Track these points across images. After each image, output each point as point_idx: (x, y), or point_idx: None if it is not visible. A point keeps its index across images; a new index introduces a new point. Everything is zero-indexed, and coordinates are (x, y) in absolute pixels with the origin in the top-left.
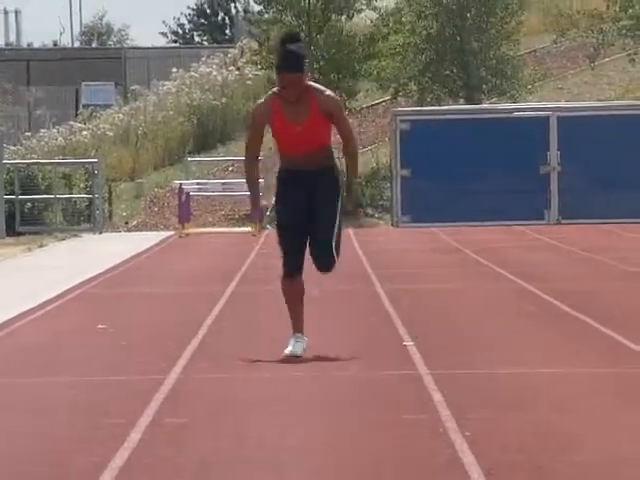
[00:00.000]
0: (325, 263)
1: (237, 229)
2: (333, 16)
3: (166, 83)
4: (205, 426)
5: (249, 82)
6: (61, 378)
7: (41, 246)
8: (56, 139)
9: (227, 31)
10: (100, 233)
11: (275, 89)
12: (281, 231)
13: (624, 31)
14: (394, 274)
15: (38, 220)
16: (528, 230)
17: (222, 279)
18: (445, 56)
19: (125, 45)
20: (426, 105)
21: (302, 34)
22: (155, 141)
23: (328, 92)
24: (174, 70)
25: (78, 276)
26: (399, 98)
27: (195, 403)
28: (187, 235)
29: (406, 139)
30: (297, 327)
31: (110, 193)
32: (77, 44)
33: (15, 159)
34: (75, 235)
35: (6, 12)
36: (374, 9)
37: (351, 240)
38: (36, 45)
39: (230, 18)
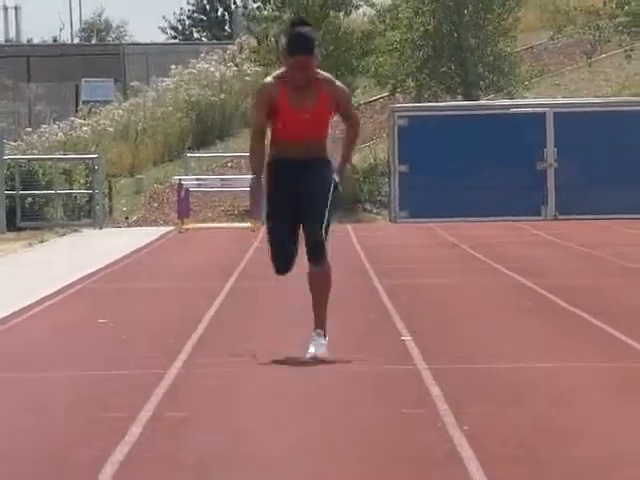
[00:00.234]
0: (314, 251)
1: (236, 225)
2: (331, 13)
3: (165, 79)
4: (205, 421)
5: (247, 78)
6: (62, 372)
7: (42, 241)
8: (56, 135)
9: (226, 27)
10: (100, 228)
11: (277, 73)
12: (271, 222)
13: (620, 28)
14: (392, 269)
15: (39, 215)
16: (525, 226)
17: (221, 274)
18: (442, 52)
19: (124, 41)
20: (424, 101)
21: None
22: (154, 137)
23: (338, 83)
24: (173, 66)
25: (79, 271)
26: (397, 94)
27: (195, 398)
28: (187, 230)
29: (404, 135)
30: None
31: (110, 189)
32: (76, 40)
33: (16, 155)
34: (75, 230)
35: (6, 8)
36: (371, 5)
37: (349, 235)
38: (36, 41)
39: (229, 14)
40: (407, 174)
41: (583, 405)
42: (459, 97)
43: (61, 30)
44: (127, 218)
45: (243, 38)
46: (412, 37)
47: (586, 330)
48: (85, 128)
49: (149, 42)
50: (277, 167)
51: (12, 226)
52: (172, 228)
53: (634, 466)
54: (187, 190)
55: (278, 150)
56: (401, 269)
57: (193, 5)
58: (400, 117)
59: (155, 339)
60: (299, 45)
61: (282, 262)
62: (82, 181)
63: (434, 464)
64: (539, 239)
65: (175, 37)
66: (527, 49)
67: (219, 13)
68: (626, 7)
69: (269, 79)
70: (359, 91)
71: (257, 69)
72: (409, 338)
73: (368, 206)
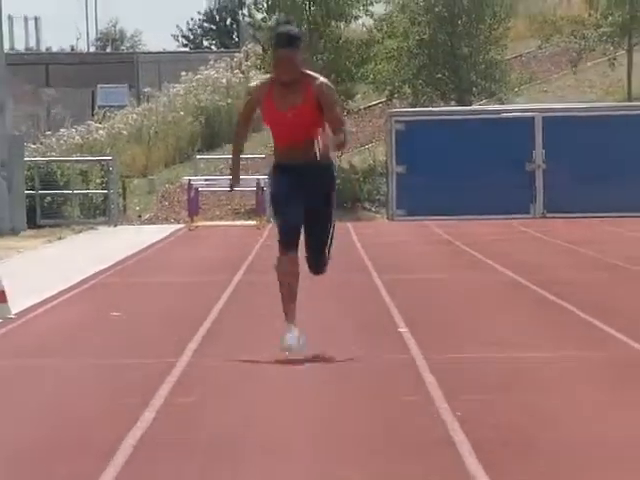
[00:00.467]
0: (317, 269)
1: (243, 222)
2: (332, 23)
3: (176, 85)
4: (214, 407)
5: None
6: (78, 361)
7: (60, 238)
8: (74, 138)
9: (234, 36)
10: (115, 226)
11: (265, 77)
12: (276, 204)
13: (604, 37)
14: (390, 264)
15: (57, 214)
16: (515, 223)
17: (229, 269)
18: (437, 60)
19: (137, 50)
20: (420, 106)
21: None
22: (166, 140)
23: (322, 78)
24: (183, 73)
25: (94, 266)
26: (394, 100)
27: (205, 385)
28: (196, 228)
29: (401, 138)
30: (289, 316)
31: (124, 188)
32: (93, 49)
33: (35, 157)
34: (91, 228)
35: (26, 19)
36: (370, 15)
37: (350, 233)
38: (54, 50)
39: (237, 24)
40: (404, 175)
41: (569, 392)
42: (453, 102)
43: (78, 39)
44: (140, 216)
45: (249, 46)
46: (408, 46)
47: (572, 322)
48: (101, 131)
49: (161, 50)
50: (280, 170)
51: (32, 224)
52: (182, 226)
53: (616, 448)
54: (196, 190)
55: (279, 156)
56: (398, 264)
57: (204, 15)
58: (397, 121)
59: (167, 330)
60: (283, 39)
61: (290, 238)
62: (98, 181)
63: (429, 447)
64: (528, 236)
65: (186, 45)
66: (517, 57)
67: (227, 23)
68: (610, 18)
69: (256, 82)
70: (359, 97)
71: (262, 76)
72: (406, 330)
73: (367, 205)
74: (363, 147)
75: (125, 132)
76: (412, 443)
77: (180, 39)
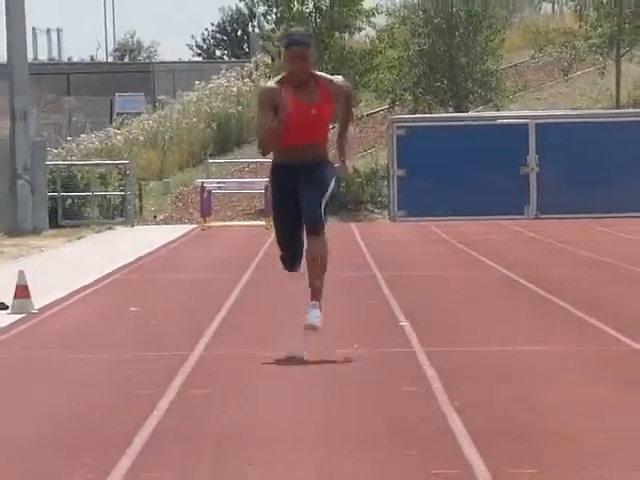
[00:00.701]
0: (312, 218)
1: (252, 223)
2: (336, 34)
3: (189, 93)
4: (225, 398)
5: None
6: (98, 354)
7: (80, 237)
8: (93, 143)
9: (245, 46)
10: (132, 226)
11: (276, 78)
12: (276, 219)
13: (594, 48)
14: (391, 262)
15: (77, 214)
16: (510, 224)
17: (240, 266)
18: (436, 70)
19: (153, 60)
20: (420, 113)
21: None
22: (180, 145)
23: (339, 77)
24: (197, 82)
25: (113, 264)
26: (396, 107)
27: (217, 377)
28: (208, 228)
29: (402, 143)
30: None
31: (140, 190)
32: (111, 59)
33: (57, 161)
34: (110, 228)
35: (49, 31)
36: (373, 26)
37: (353, 232)
38: (75, 60)
39: (247, 35)
40: (405, 178)
41: (562, 384)
42: (451, 109)
43: (97, 50)
44: (155, 217)
45: (259, 56)
46: (409, 56)
47: (564, 317)
48: (119, 137)
49: (176, 60)
50: (279, 172)
51: (54, 224)
52: (196, 226)
53: (605, 437)
54: (209, 192)
55: (280, 155)
56: (399, 262)
57: (217, 27)
58: (398, 127)
59: (181, 324)
60: (295, 38)
61: (288, 259)
62: (116, 184)
63: (429, 435)
64: (522, 236)
65: (200, 55)
66: (511, 67)
67: (238, 34)
68: (599, 30)
69: (269, 83)
70: (362, 104)
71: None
72: (406, 323)
73: (370, 206)
74: (366, 152)
75: (141, 137)
76: (413, 432)
77: (194, 49)
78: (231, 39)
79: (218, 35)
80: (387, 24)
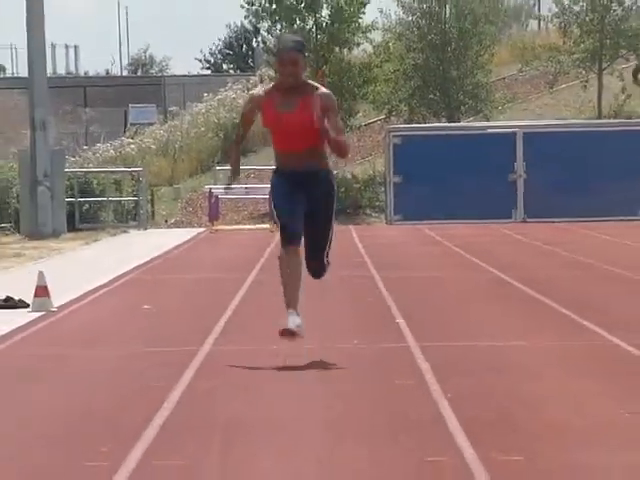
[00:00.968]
0: (317, 274)
1: (257, 226)
2: (336, 49)
3: (198, 105)
4: (232, 391)
5: None
6: (112, 349)
7: (96, 240)
8: (108, 151)
9: (250, 61)
10: (145, 229)
11: (271, 85)
12: (277, 202)
13: (577, 62)
14: (388, 263)
15: (93, 218)
16: (499, 227)
17: (246, 267)
18: (430, 83)
19: (165, 74)
20: (414, 123)
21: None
22: (189, 153)
23: (324, 89)
24: (205, 94)
25: (126, 265)
26: (392, 117)
27: (224, 371)
28: (216, 231)
29: (398, 151)
30: (292, 303)
31: (152, 196)
32: (125, 73)
33: (74, 168)
34: (124, 231)
35: (67, 47)
36: (370, 42)
37: (352, 235)
38: (91, 74)
39: (252, 50)
40: (401, 184)
41: (550, 377)
42: (444, 119)
43: (112, 64)
44: (166, 221)
45: (263, 70)
46: (404, 69)
47: (550, 314)
48: (132, 146)
49: (185, 74)
50: (281, 175)
51: (71, 227)
52: (204, 229)
53: (589, 426)
54: (216, 197)
55: (279, 163)
56: (395, 263)
57: (223, 42)
58: (395, 136)
59: (190, 321)
60: (288, 43)
61: (289, 232)
62: (129, 190)
63: (423, 425)
64: (510, 238)
65: (208, 68)
66: (500, 80)
67: (244, 49)
68: (582, 45)
69: (258, 90)
70: (360, 114)
71: None
72: (402, 320)
73: (368, 211)
74: (364, 159)
75: (153, 146)
76: (408, 421)
77: (203, 63)
78: (237, 54)
79: (225, 50)
80: (383, 39)
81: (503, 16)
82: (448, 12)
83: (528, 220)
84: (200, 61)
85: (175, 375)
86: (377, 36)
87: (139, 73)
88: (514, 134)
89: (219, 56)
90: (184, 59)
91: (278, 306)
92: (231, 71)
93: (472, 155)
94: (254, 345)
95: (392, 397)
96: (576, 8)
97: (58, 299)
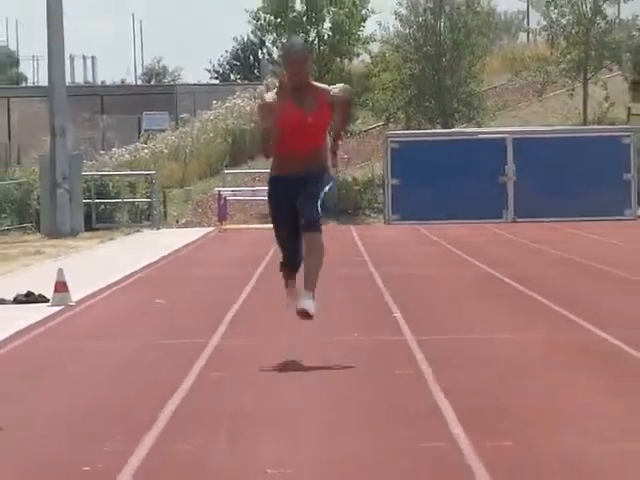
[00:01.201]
0: (308, 220)
1: (263, 225)
2: (337, 59)
3: (208, 112)
4: (240, 380)
5: None
6: (126, 341)
7: (111, 239)
8: (123, 156)
9: (256, 71)
10: (157, 229)
11: (278, 88)
12: (276, 225)
13: (564, 72)
14: (386, 260)
15: (109, 219)
16: (490, 226)
17: (252, 264)
18: (425, 91)
19: (177, 83)
20: (411, 129)
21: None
22: (199, 157)
23: (337, 86)
24: (214, 102)
25: (140, 262)
26: (390, 124)
27: (233, 361)
28: (225, 230)
29: (396, 155)
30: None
31: (165, 198)
32: (139, 82)
33: (91, 171)
34: (137, 230)
35: (85, 58)
36: (369, 53)
37: (352, 234)
38: (108, 83)
39: (258, 60)
40: (398, 186)
41: (539, 368)
42: (439, 126)
43: (127, 74)
44: (178, 221)
45: (269, 80)
46: (401, 79)
47: (538, 308)
48: (145, 150)
49: (196, 83)
50: (277, 185)
51: (88, 227)
52: (213, 229)
53: (576, 415)
54: (225, 199)
55: (279, 166)
56: (393, 260)
57: (231, 54)
58: (392, 141)
59: (200, 314)
60: (294, 44)
61: (288, 259)
62: (143, 192)
63: (419, 412)
64: (501, 237)
65: (217, 78)
66: (491, 88)
67: (250, 60)
68: (568, 56)
69: (268, 94)
70: (360, 121)
71: None
72: (399, 315)
73: (367, 211)
74: (364, 163)
75: (165, 151)
76: (405, 408)
77: (212, 73)
78: (243, 65)
79: (232, 61)
80: (381, 50)
81: (494, 29)
82: (443, 25)
83: (518, 220)
84: (209, 71)
85: (185, 366)
86: (375, 47)
87: (152, 82)
88: (504, 139)
89: (227, 67)
90: (194, 69)
91: (281, 301)
92: (238, 81)
93: (465, 159)
94: (260, 337)
95: (390, 386)
96: (563, 21)
97: (76, 294)
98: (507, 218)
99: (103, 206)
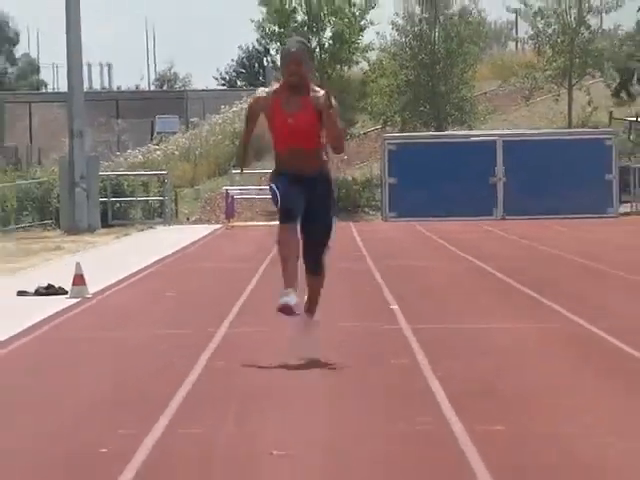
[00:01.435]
0: (315, 270)
1: (269, 222)
2: (337, 66)
3: (216, 116)
4: (247, 368)
5: None
6: (140, 331)
7: (126, 235)
8: (137, 157)
9: (261, 77)
10: (169, 225)
11: (275, 87)
12: (277, 184)
13: (550, 78)
14: (383, 255)
15: (124, 216)
16: (481, 223)
17: (258, 258)
18: (420, 96)
19: (187, 89)
20: (407, 132)
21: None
22: (208, 158)
23: (323, 92)
24: (222, 107)
25: (153, 256)
26: (387, 127)
27: (239, 350)
28: (232, 227)
29: (392, 157)
30: (289, 283)
31: (176, 196)
32: (152, 88)
33: (107, 172)
34: (150, 227)
35: (101, 65)
36: (367, 61)
37: (352, 230)
38: (123, 89)
39: (263, 68)
40: (395, 185)
41: (528, 356)
42: (433, 129)
43: (141, 80)
44: (188, 218)
45: (274, 85)
46: (398, 84)
47: (527, 300)
48: (158, 152)
49: (205, 89)
50: (280, 172)
51: (105, 224)
52: (221, 225)
53: (562, 400)
54: (232, 197)
55: (280, 163)
56: (390, 254)
57: (237, 62)
58: (389, 144)
59: (209, 306)
60: (292, 44)
61: (290, 207)
62: (155, 190)
63: (414, 396)
64: (492, 234)
65: (224, 84)
66: (482, 94)
67: (255, 67)
68: (554, 64)
69: (262, 90)
70: (359, 124)
71: None
72: (396, 306)
73: (366, 209)
74: (362, 163)
75: (177, 152)
76: (402, 393)
77: (219, 79)
78: (249, 72)
79: (238, 69)
80: (378, 58)
81: (485, 38)
82: (437, 34)
83: (507, 217)
84: (217, 79)
85: (195, 354)
86: (373, 55)
87: (165, 88)
88: (494, 142)
89: (233, 74)
90: (204, 76)
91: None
92: (244, 87)
93: (458, 160)
94: (265, 327)
95: (388, 373)
96: (549, 31)
97: (93, 286)
98: (496, 216)
99: (118, 204)
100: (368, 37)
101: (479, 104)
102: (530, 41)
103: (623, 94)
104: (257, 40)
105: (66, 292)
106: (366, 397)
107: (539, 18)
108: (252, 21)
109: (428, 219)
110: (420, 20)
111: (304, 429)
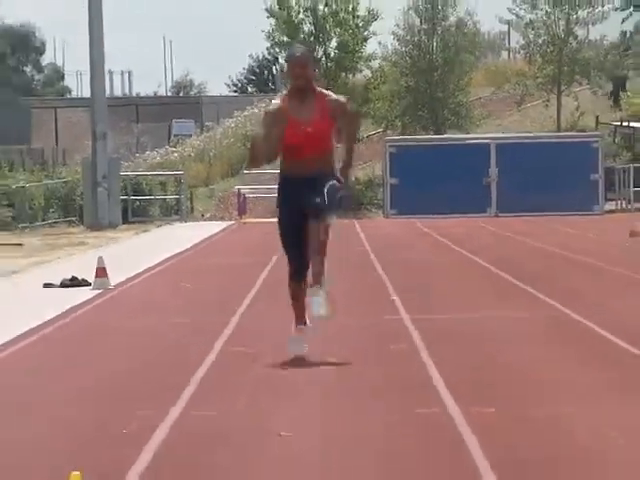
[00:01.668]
0: (314, 204)
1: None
2: (342, 74)
3: (229, 120)
4: (258, 353)
5: None
6: (159, 320)
7: (145, 231)
8: (155, 158)
9: (270, 84)
10: (185, 222)
11: (283, 96)
12: (282, 232)
13: (540, 85)
14: (384, 248)
15: (143, 213)
16: (476, 220)
17: (269, 253)
18: (419, 102)
19: (202, 94)
20: (407, 135)
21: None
22: (222, 159)
23: (336, 95)
24: (235, 111)
25: (171, 250)
26: (388, 130)
27: (253, 337)
28: (244, 224)
29: (393, 158)
30: (300, 319)
31: (191, 195)
32: (170, 93)
33: (128, 172)
34: (168, 223)
35: (122, 73)
36: (370, 68)
37: (355, 227)
38: (142, 95)
39: (272, 75)
40: (396, 185)
41: (520, 343)
42: (431, 132)
43: (159, 86)
44: (203, 215)
45: (283, 92)
46: (398, 90)
47: (517, 291)
48: (175, 154)
49: (219, 95)
50: (286, 184)
51: (125, 220)
52: (234, 222)
53: (552, 384)
54: (244, 195)
55: (287, 168)
56: (390, 248)
57: (248, 70)
58: (391, 146)
59: (222, 296)
60: (297, 49)
61: (295, 269)
62: (172, 189)
63: (413, 382)
64: (485, 230)
65: (236, 91)
66: (477, 99)
67: (265, 74)
68: (544, 71)
69: (275, 101)
70: (362, 128)
71: None
72: (396, 298)
73: (369, 207)
74: (365, 165)
75: (192, 154)
76: (401, 379)
77: (231, 86)
78: (259, 79)
79: (249, 76)
80: (380, 66)
81: (479, 47)
82: (435, 44)
83: (500, 215)
84: (229, 85)
85: (210, 341)
86: (375, 63)
87: (181, 94)
88: (488, 145)
89: (245, 81)
90: (218, 83)
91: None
92: (255, 93)
93: (454, 162)
94: (275, 316)
95: (388, 360)
96: (539, 41)
97: (115, 279)
98: (490, 213)
99: (138, 202)
100: (371, 47)
101: (474, 109)
102: (522, 50)
103: (620, 98)
104: (267, 49)
105: (89, 284)
106: (368, 382)
107: (530, 29)
108: (262, 31)
109: (427, 216)
110: (419, 31)
111: (310, 412)
